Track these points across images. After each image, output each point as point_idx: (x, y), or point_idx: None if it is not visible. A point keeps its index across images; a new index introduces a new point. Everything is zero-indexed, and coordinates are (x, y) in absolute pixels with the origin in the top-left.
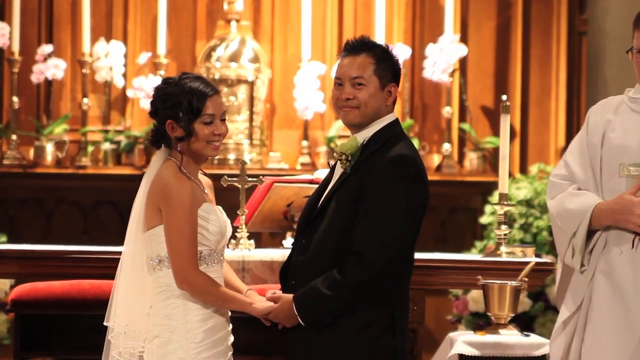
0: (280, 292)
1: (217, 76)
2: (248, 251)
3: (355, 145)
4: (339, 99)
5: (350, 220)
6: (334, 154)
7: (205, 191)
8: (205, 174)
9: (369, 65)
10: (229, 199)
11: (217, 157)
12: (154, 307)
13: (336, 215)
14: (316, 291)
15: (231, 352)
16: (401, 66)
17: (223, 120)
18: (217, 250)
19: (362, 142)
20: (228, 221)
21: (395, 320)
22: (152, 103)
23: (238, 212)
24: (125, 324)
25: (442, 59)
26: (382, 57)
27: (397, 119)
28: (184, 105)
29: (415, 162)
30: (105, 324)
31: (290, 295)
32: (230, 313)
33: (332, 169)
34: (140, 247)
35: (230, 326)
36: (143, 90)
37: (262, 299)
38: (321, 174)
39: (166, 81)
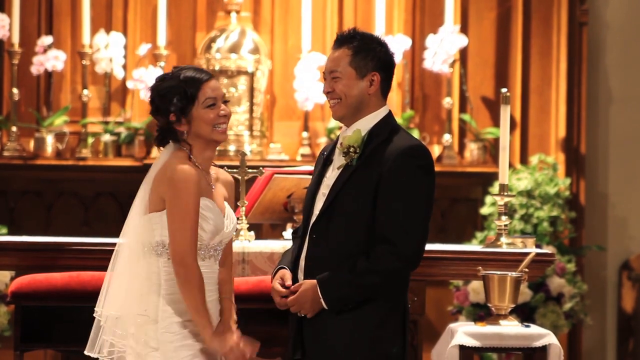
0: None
1: (217, 67)
2: (248, 242)
3: (361, 137)
4: (323, 92)
5: (365, 214)
6: (338, 147)
7: (213, 186)
8: (223, 169)
9: (345, 58)
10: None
11: (217, 148)
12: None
13: (349, 210)
14: (343, 276)
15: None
16: (391, 53)
17: (226, 102)
18: (209, 246)
19: (364, 134)
20: (234, 219)
21: (405, 311)
22: (151, 102)
23: (238, 204)
24: (117, 310)
25: (442, 49)
26: (360, 48)
27: (390, 112)
28: (182, 95)
29: (427, 152)
30: (97, 309)
31: (313, 280)
32: (219, 307)
33: (326, 160)
34: (139, 232)
35: (217, 321)
36: (143, 81)
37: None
38: None
39: (161, 78)
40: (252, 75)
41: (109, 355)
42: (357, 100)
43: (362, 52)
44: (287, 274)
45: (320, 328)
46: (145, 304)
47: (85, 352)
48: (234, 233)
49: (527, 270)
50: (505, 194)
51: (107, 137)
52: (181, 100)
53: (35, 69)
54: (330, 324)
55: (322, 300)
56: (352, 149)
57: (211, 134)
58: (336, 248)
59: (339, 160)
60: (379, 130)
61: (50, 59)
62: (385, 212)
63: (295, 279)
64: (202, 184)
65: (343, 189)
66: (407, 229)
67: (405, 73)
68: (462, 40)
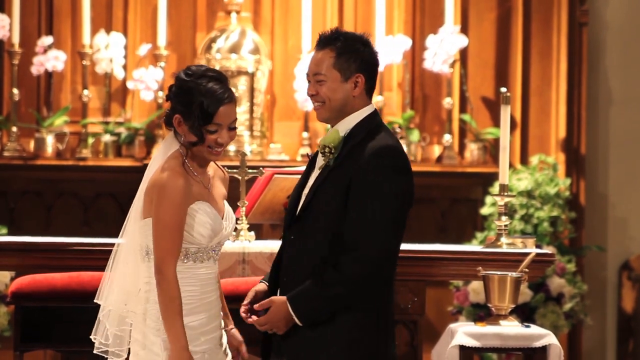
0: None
1: (217, 67)
2: (248, 243)
3: (338, 137)
4: (307, 94)
5: (341, 213)
6: (318, 147)
7: (209, 187)
8: (220, 166)
9: (329, 60)
10: (229, 190)
11: None
12: (143, 290)
13: (325, 210)
14: (312, 289)
15: (221, 348)
16: (375, 52)
17: (233, 129)
18: (208, 248)
19: (344, 134)
20: (233, 218)
21: (388, 317)
22: (170, 87)
23: (238, 204)
24: (125, 303)
25: (442, 49)
26: (344, 49)
27: (375, 110)
28: (195, 107)
29: (400, 152)
30: (96, 301)
31: (283, 298)
32: (220, 304)
33: (312, 161)
34: (137, 235)
35: (217, 322)
36: (143, 82)
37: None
38: None
39: (187, 72)
40: (252, 76)
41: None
42: (341, 103)
43: (346, 53)
44: (257, 292)
45: (297, 341)
46: (149, 310)
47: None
48: (234, 232)
49: (527, 270)
50: (506, 194)
51: (107, 138)
52: (197, 117)
53: (35, 69)
54: (306, 338)
55: (294, 317)
56: (327, 149)
57: (203, 152)
58: (310, 248)
59: (320, 161)
60: (359, 130)
61: (51, 59)
62: (352, 213)
63: (276, 281)
64: (194, 191)
65: (319, 190)
66: (371, 231)
67: (406, 73)
68: (462, 41)
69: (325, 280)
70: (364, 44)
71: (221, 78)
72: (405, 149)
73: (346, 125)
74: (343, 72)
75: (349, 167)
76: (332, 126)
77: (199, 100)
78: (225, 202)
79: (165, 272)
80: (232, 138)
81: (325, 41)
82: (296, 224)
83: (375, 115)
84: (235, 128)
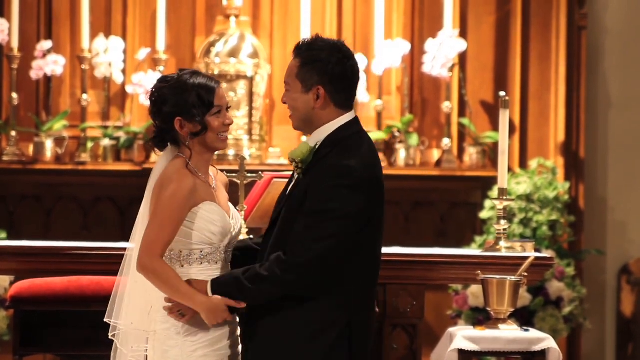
0: None
1: (216, 72)
2: None
3: (306, 150)
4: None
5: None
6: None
7: (213, 186)
8: (219, 171)
9: (294, 69)
10: (228, 194)
11: (216, 152)
12: (155, 305)
13: (285, 222)
14: (237, 279)
15: (238, 347)
16: (347, 62)
17: (227, 109)
18: (220, 248)
19: (315, 145)
20: (239, 218)
21: (352, 326)
22: (154, 103)
23: (237, 208)
24: (131, 322)
25: (441, 53)
26: (308, 59)
27: (351, 121)
28: (193, 101)
29: (352, 170)
30: (106, 320)
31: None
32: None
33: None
34: None
35: (237, 319)
36: (142, 86)
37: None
38: None
39: (164, 80)
40: (251, 80)
41: None
42: (304, 114)
43: (309, 64)
44: None
45: (254, 343)
46: (164, 314)
47: None
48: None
49: (526, 274)
50: (505, 198)
51: (106, 142)
52: (199, 107)
53: (34, 74)
54: (263, 341)
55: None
56: (294, 163)
57: (214, 142)
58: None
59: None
60: (328, 142)
61: (50, 63)
62: (295, 226)
63: None
64: (200, 191)
65: (286, 202)
66: (299, 243)
67: (405, 77)
68: (461, 45)
69: (250, 274)
70: (332, 53)
71: (196, 72)
72: (403, 153)
73: (317, 137)
74: (305, 82)
75: (307, 183)
76: (310, 136)
77: (194, 94)
78: (230, 203)
79: (148, 266)
80: (232, 119)
81: (297, 50)
82: (267, 234)
83: (351, 125)
84: (229, 107)
